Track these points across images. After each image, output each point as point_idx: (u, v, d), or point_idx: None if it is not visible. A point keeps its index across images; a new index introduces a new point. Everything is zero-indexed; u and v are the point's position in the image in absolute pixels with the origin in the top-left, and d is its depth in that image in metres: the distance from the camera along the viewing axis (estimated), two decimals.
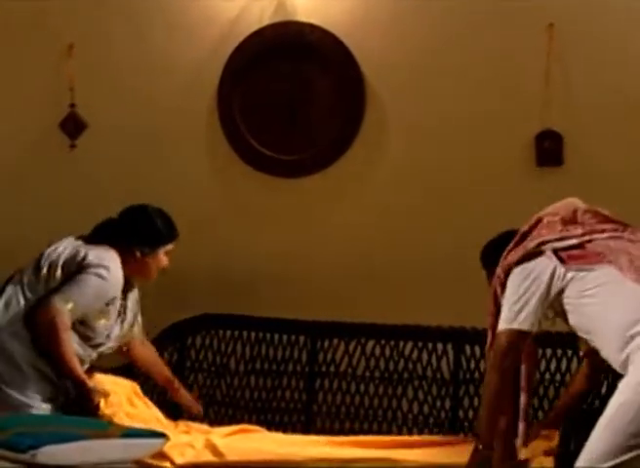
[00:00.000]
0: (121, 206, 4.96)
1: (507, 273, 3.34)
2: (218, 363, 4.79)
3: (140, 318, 4.34)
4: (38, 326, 3.89)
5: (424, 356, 4.41)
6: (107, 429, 3.56)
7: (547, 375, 4.17)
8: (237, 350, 4.77)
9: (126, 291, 4.17)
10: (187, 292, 4.92)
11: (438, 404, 4.36)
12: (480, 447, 3.26)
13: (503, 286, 3.34)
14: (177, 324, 4.80)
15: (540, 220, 3.39)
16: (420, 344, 4.42)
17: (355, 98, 4.69)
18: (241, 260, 4.89)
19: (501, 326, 3.27)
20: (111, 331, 4.12)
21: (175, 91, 4.97)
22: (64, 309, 3.88)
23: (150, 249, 4.13)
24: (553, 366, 4.16)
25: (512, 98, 4.43)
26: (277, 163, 4.82)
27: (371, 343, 4.54)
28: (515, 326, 3.23)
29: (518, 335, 3.24)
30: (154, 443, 3.55)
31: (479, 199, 4.49)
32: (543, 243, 3.29)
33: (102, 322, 4.06)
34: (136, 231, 4.13)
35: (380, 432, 4.38)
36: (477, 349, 4.24)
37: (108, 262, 4.00)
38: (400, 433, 4.32)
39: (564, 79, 4.34)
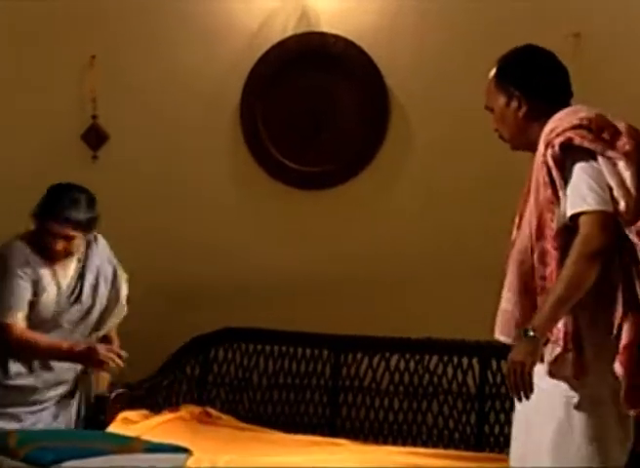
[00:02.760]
0: (142, 218, 5.05)
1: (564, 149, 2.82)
2: (240, 377, 4.81)
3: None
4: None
5: (450, 370, 4.41)
6: (130, 444, 3.61)
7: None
8: (260, 364, 4.78)
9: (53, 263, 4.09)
10: (210, 305, 4.93)
11: (464, 419, 4.36)
12: (532, 333, 2.76)
13: (559, 163, 2.82)
14: (199, 337, 4.82)
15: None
16: (445, 358, 4.42)
17: (379, 110, 4.70)
18: (264, 273, 4.89)
19: (583, 208, 2.74)
20: (53, 302, 4.06)
21: (197, 102, 4.99)
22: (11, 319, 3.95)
23: (35, 220, 4.05)
24: None
25: None
26: (301, 175, 4.83)
27: (395, 357, 4.55)
28: (608, 208, 2.73)
29: (611, 219, 2.74)
30: (177, 458, 3.60)
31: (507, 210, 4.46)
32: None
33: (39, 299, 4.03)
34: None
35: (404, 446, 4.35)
36: (503, 364, 4.20)
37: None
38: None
39: (589, 89, 4.31)
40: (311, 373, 4.69)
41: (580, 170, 2.78)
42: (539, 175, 2.83)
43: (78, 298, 4.10)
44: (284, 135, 4.86)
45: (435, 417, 4.40)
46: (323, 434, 4.50)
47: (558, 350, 2.77)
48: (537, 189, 2.83)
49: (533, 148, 2.97)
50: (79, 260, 4.12)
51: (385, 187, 4.70)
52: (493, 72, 3.07)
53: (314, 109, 4.80)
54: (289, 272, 4.85)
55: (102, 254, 4.20)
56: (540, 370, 2.80)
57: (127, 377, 4.44)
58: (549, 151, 2.80)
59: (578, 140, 2.78)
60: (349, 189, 4.75)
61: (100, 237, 4.21)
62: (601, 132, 2.81)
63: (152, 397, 4.66)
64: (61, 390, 4.10)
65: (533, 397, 2.77)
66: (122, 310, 4.25)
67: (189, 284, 4.72)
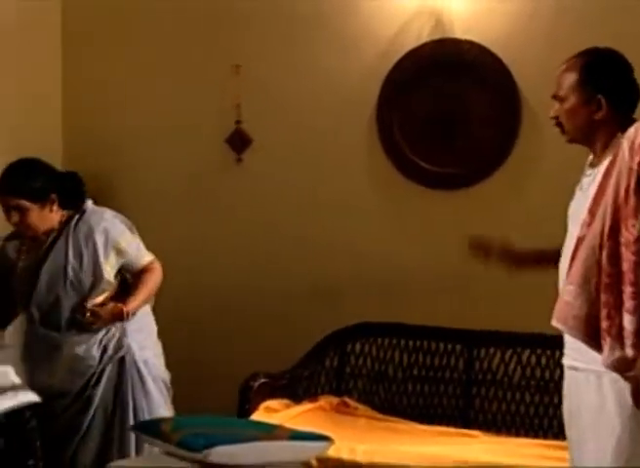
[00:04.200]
0: (284, 218, 5.20)
1: None
2: (376, 369, 4.91)
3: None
4: None
5: None
6: (275, 431, 3.67)
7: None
8: (395, 357, 4.88)
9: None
10: (347, 300, 5.05)
11: None
12: None
13: None
14: (337, 331, 4.93)
15: None
16: None
17: (511, 114, 4.76)
18: (400, 271, 4.98)
19: None
20: (17, 290, 4.12)
21: (335, 108, 5.11)
22: None
23: None
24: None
25: None
26: (435, 176, 4.92)
27: (527, 352, 4.61)
28: None
29: None
30: (320, 445, 3.64)
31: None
32: None
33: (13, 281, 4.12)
34: None
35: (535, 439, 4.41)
36: None
37: None
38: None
39: None
40: (445, 367, 4.76)
41: None
42: (621, 179, 2.85)
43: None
44: (419, 138, 4.94)
45: None
46: (456, 425, 4.58)
47: None
48: (616, 192, 2.85)
49: (590, 145, 3.12)
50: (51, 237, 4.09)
51: (517, 188, 4.76)
52: (574, 66, 3.12)
53: (448, 114, 4.87)
54: (424, 269, 4.93)
55: (86, 230, 4.09)
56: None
57: (270, 368, 4.64)
58: None
59: None
60: (482, 190, 4.81)
61: (91, 213, 4.13)
62: None
63: (293, 387, 4.78)
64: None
65: None
66: (105, 285, 4.11)
67: (329, 281, 4.84)
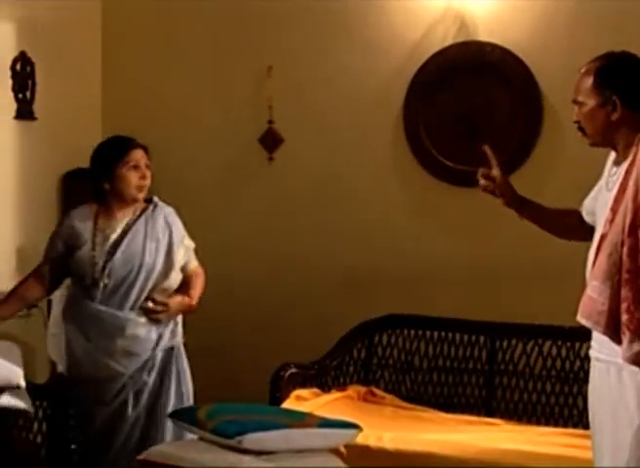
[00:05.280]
0: (314, 214, 5.29)
1: None
2: (402, 360, 5.00)
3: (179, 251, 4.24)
4: None
5: None
6: (305, 419, 3.74)
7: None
8: (420, 348, 4.97)
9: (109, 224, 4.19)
10: (375, 293, 5.15)
11: None
12: None
13: None
14: (365, 323, 5.02)
15: None
16: None
17: (534, 114, 4.85)
18: (426, 264, 5.08)
19: None
20: (87, 264, 4.13)
21: (363, 108, 5.21)
22: (40, 264, 4.23)
23: (107, 175, 4.14)
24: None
25: None
26: (458, 173, 4.98)
27: (548, 344, 4.69)
28: None
29: None
30: (349, 433, 3.71)
31: None
32: None
33: (80, 254, 4.15)
34: (93, 172, 4.23)
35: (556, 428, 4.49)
36: None
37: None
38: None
39: None
40: (469, 358, 4.84)
41: None
42: None
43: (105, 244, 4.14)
44: (444, 137, 5.03)
45: (585, 401, 4.45)
46: (479, 414, 4.67)
47: None
48: (636, 190, 2.91)
49: (613, 147, 3.17)
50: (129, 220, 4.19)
51: (538, 186, 4.68)
52: (590, 70, 3.18)
53: (471, 113, 4.96)
54: (448, 263, 5.02)
55: (163, 220, 4.22)
56: None
57: (300, 359, 4.75)
58: None
59: None
60: None
61: (164, 206, 4.25)
62: None
63: (322, 377, 4.86)
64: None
65: None
66: (173, 276, 4.21)
67: (358, 275, 4.90)
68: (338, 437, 3.73)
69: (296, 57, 5.36)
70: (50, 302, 4.89)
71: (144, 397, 4.17)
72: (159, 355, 4.18)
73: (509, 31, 4.89)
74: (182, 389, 4.22)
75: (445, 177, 5.09)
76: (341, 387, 4.88)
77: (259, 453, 3.50)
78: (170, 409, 4.14)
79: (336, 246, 5.28)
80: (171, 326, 4.22)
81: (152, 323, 4.15)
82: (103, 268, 4.10)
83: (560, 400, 4.64)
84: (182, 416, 3.86)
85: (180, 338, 4.26)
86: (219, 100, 5.52)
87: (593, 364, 3.22)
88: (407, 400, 4.84)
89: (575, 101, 3.27)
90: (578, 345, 4.57)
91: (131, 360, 4.13)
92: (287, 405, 4.46)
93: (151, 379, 4.17)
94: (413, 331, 5.02)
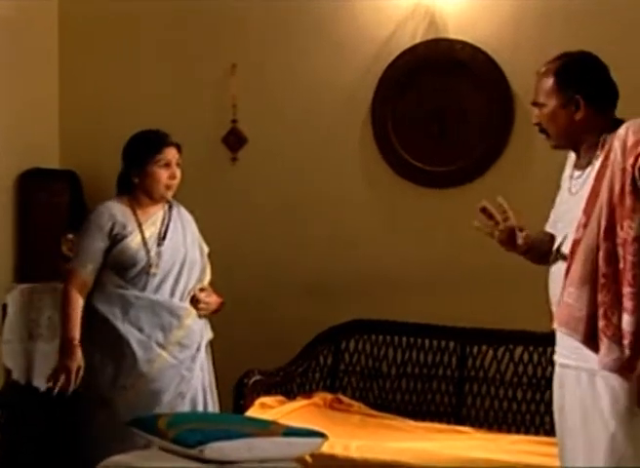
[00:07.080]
0: (278, 215, 5.21)
1: None
2: (370, 366, 4.95)
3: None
4: None
5: None
6: (270, 427, 3.69)
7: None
8: (389, 354, 4.92)
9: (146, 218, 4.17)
10: (341, 297, 5.09)
11: None
12: None
13: None
14: (331, 328, 4.97)
15: None
16: None
17: (504, 114, 4.80)
18: (393, 268, 5.02)
19: None
20: (138, 252, 4.08)
21: (330, 107, 5.15)
22: (76, 269, 4.05)
23: (137, 169, 4.12)
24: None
25: None
26: (427, 174, 4.95)
27: (519, 350, 4.65)
28: None
29: None
30: (315, 441, 3.67)
31: None
32: None
33: (128, 242, 4.09)
34: (124, 164, 4.19)
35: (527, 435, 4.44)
36: None
37: (91, 213, 4.19)
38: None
39: None
40: (438, 364, 4.80)
41: None
42: (615, 180, 2.91)
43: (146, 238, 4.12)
44: (413, 137, 4.97)
45: None
46: (448, 422, 4.63)
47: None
48: (611, 193, 2.90)
49: (575, 148, 3.14)
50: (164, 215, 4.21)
51: (509, 187, 4.68)
52: (549, 71, 3.14)
53: (441, 112, 4.91)
54: (416, 267, 4.96)
55: (186, 216, 4.30)
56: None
57: (264, 365, 4.67)
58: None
59: None
60: (474, 189, 4.81)
61: (185, 211, 4.31)
62: None
63: (287, 384, 4.82)
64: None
65: None
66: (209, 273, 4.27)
67: (323, 278, 4.83)
68: (303, 446, 3.69)
69: (261, 54, 5.29)
70: (5, 307, 4.77)
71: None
72: (202, 349, 4.18)
73: (479, 29, 4.85)
74: (209, 385, 4.24)
75: (413, 179, 5.03)
76: (307, 394, 4.84)
77: (221, 463, 3.45)
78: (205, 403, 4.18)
79: (301, 249, 5.22)
80: (208, 323, 4.26)
81: (199, 316, 4.19)
82: (156, 256, 4.08)
83: (531, 407, 4.60)
84: (142, 425, 3.77)
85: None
86: (180, 99, 5.45)
87: (560, 370, 3.18)
88: (374, 407, 4.80)
89: (535, 103, 3.22)
90: (549, 351, 4.39)
91: (182, 350, 4.11)
92: (251, 413, 4.42)
93: (195, 373, 4.14)
94: (380, 337, 4.97)
